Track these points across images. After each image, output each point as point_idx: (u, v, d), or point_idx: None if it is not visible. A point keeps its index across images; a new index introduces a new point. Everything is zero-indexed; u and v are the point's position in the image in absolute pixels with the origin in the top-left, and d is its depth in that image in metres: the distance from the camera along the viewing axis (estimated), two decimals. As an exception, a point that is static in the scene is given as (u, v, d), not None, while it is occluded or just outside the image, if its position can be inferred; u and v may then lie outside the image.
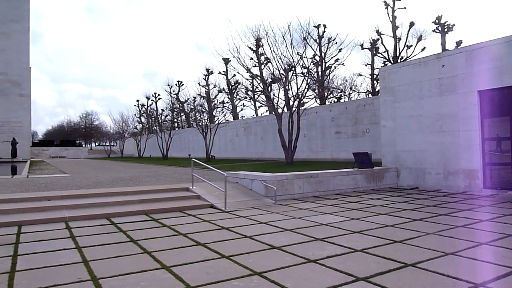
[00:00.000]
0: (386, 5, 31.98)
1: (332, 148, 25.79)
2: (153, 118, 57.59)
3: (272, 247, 5.76)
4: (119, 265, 4.99)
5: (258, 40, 25.46)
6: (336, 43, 32.51)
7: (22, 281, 4.38)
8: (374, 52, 34.33)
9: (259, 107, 45.57)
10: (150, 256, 5.35)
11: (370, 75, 37.05)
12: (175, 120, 59.45)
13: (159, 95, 61.68)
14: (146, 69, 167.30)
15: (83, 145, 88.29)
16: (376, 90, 34.41)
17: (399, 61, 30.41)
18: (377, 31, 32.75)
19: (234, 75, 40.36)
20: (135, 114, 60.48)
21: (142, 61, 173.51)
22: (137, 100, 63.05)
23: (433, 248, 5.53)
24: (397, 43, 32.17)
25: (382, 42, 33.14)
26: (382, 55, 33.41)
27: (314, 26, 32.67)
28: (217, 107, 39.70)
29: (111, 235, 6.77)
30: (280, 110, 24.14)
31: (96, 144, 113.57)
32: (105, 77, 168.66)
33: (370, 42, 34.11)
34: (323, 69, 33.96)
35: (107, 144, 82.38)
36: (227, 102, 44.72)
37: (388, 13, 32.24)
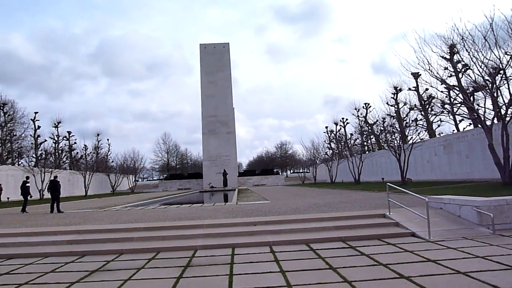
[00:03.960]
0: None
1: None
2: (342, 143, 58.17)
3: (496, 288, 4.79)
4: (320, 293, 5.01)
5: (452, 46, 22.87)
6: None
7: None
8: None
9: (459, 121, 40.47)
10: (351, 286, 5.19)
11: None
12: (365, 143, 58.53)
13: (346, 119, 62.22)
14: (327, 96, 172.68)
15: (280, 173, 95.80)
16: None
17: None
18: None
19: (427, 89, 37.28)
20: (325, 141, 62.43)
21: (322, 89, 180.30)
22: (326, 127, 65.13)
23: None
24: None
25: None
26: None
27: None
28: (410, 126, 37.11)
29: (311, 261, 6.92)
30: (488, 122, 20.75)
31: (291, 171, 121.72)
32: (292, 109, 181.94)
33: None
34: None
35: (301, 171, 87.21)
36: (421, 119, 41.40)
37: None
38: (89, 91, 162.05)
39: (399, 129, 37.14)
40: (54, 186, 18.20)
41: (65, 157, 66.67)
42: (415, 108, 39.88)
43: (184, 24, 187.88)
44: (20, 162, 55.37)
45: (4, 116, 53.60)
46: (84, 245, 9.20)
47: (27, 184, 19.25)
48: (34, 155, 57.69)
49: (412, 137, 35.51)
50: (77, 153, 67.57)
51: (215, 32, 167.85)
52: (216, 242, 8.92)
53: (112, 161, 69.77)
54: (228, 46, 69.86)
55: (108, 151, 72.43)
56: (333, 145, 61.59)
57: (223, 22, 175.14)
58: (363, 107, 56.22)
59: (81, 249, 8.86)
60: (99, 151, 68.48)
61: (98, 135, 69.20)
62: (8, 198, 38.53)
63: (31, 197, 19.86)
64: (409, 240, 8.32)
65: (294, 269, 6.28)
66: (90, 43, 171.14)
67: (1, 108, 53.32)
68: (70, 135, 66.44)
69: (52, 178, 18.61)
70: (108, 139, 77.08)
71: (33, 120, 57.71)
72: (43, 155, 56.40)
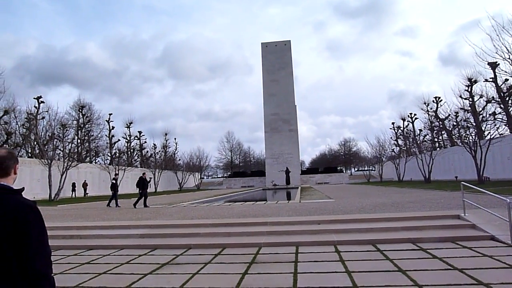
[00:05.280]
0: None
1: None
2: (410, 140, 55.39)
3: None
4: (389, 296, 4.81)
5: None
6: None
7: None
8: None
9: (546, 114, 36.61)
10: (422, 291, 4.94)
11: None
12: (436, 139, 55.20)
13: (415, 115, 59.17)
14: (391, 91, 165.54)
15: (344, 171, 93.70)
16: None
17: None
18: None
19: (506, 79, 34.26)
20: (391, 137, 59.89)
21: (386, 84, 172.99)
22: (392, 123, 62.45)
23: None
24: None
25: None
26: None
27: None
28: (487, 120, 34.28)
29: (378, 262, 6.68)
30: None
31: (355, 169, 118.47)
32: (354, 106, 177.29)
33: None
34: None
35: (366, 169, 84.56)
36: (500, 113, 38.07)
37: None
38: (156, 93, 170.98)
39: (474, 124, 34.49)
40: (142, 183, 19.41)
41: (136, 155, 70.96)
42: (493, 101, 36.78)
43: (244, 24, 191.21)
44: (96, 160, 60.02)
45: (82, 118, 58.37)
46: (155, 239, 9.71)
47: (114, 181, 21.08)
48: (109, 154, 62.21)
49: (489, 132, 32.74)
50: (147, 151, 71.71)
51: (275, 31, 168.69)
52: (280, 240, 8.95)
53: (179, 159, 73.08)
54: (290, 44, 69.68)
55: (176, 149, 76.00)
56: (400, 142, 58.91)
57: (282, 21, 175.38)
58: (433, 101, 53.05)
59: (152, 242, 9.36)
60: (167, 150, 72.07)
61: (166, 134, 72.88)
62: (87, 193, 41.96)
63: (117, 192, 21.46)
64: (488, 244, 7.69)
65: (361, 270, 6.11)
66: (157, 48, 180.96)
67: (80, 110, 58.10)
68: (141, 135, 70.65)
69: (141, 175, 19.92)
70: (175, 138, 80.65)
71: (108, 121, 62.18)
72: (117, 154, 60.60)
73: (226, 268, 6.77)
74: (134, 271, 6.72)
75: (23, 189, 2.14)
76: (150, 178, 20.46)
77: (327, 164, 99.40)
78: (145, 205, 18.82)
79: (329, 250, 7.84)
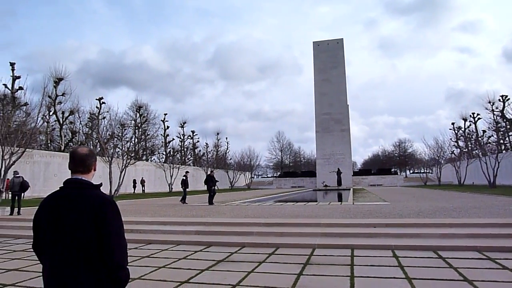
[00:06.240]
0: None
1: None
2: (472, 141, 52.10)
3: None
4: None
5: None
6: None
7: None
8: None
9: None
10: (493, 303, 4.61)
11: None
12: (502, 141, 51.51)
13: (478, 114, 55.61)
14: (450, 89, 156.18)
15: (398, 173, 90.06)
16: None
17: None
18: None
19: None
20: (451, 138, 56.66)
21: (443, 83, 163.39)
22: (452, 123, 59.04)
23: None
24: None
25: None
26: None
27: None
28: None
29: (441, 270, 6.34)
30: None
31: (410, 171, 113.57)
32: (409, 105, 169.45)
33: None
34: None
35: (422, 171, 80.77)
36: None
37: None
38: (207, 94, 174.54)
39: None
40: (210, 181, 19.94)
41: (189, 154, 73.09)
42: None
43: (294, 24, 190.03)
44: (152, 159, 62.56)
45: (140, 118, 61.09)
46: (210, 236, 9.93)
47: (184, 177, 21.74)
48: (164, 152, 64.60)
49: None
50: (200, 150, 73.60)
51: (325, 30, 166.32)
52: (334, 241, 8.79)
53: (230, 159, 74.27)
54: (342, 42, 68.22)
55: (227, 149, 77.30)
56: (461, 143, 55.52)
57: (333, 19, 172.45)
58: (499, 100, 49.52)
59: (207, 239, 9.57)
60: (218, 149, 73.52)
61: (217, 134, 74.43)
62: (144, 190, 43.92)
63: (187, 188, 22.12)
64: None
65: (422, 277, 5.83)
66: (208, 50, 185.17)
67: (138, 110, 60.86)
68: (194, 134, 72.65)
69: (209, 172, 20.43)
70: (226, 138, 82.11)
71: (163, 121, 64.53)
72: (171, 152, 62.79)
73: (281, 267, 6.75)
74: (191, 267, 6.91)
75: (101, 184, 2.27)
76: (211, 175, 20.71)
77: (380, 165, 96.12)
78: (210, 203, 19.03)
79: (386, 255, 7.58)
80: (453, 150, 55.09)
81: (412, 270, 6.30)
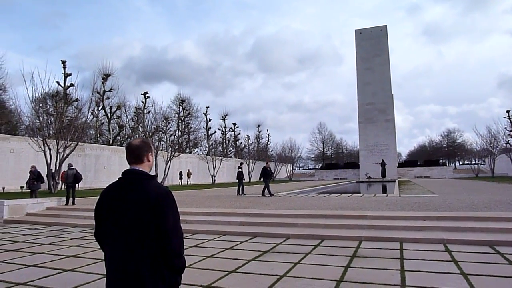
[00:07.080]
0: None
1: None
2: (530, 130, 48.79)
3: None
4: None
5: None
6: None
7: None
8: None
9: None
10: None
11: None
12: None
13: (536, 102, 51.90)
14: (502, 75, 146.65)
15: (447, 164, 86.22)
16: None
17: None
18: None
19: None
20: (505, 127, 53.33)
21: (494, 69, 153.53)
22: (507, 111, 55.51)
23: None
24: None
25: None
26: None
27: None
28: None
29: (499, 266, 6.00)
30: None
31: (460, 163, 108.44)
32: (457, 93, 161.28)
33: None
34: None
35: (473, 162, 76.80)
36: None
37: None
38: (247, 86, 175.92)
39: None
40: (265, 173, 20.19)
41: (231, 146, 73.95)
42: None
43: (333, 12, 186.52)
44: (195, 151, 63.89)
45: (183, 111, 62.49)
46: (254, 227, 10.00)
47: (240, 169, 22.15)
48: (206, 145, 65.81)
49: None
50: (241, 142, 74.25)
51: (366, 17, 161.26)
52: (381, 234, 8.57)
53: (272, 150, 74.33)
54: (386, 29, 65.82)
55: (268, 140, 77.42)
56: (517, 133, 52.13)
57: (373, 6, 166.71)
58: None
59: (252, 230, 9.65)
60: (259, 141, 73.81)
61: (258, 126, 74.70)
62: (189, 181, 45.02)
63: (244, 180, 22.66)
64: None
65: (479, 273, 5.53)
66: (247, 43, 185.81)
67: (181, 104, 62.28)
68: (235, 127, 73.35)
69: (265, 164, 20.88)
70: (267, 130, 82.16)
71: (205, 114, 65.71)
72: (213, 145, 63.82)
73: (327, 259, 6.67)
74: (238, 257, 6.99)
75: (156, 175, 2.31)
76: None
77: (427, 156, 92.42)
78: (263, 194, 19.27)
79: (438, 249, 7.28)
80: (508, 140, 51.81)
81: (468, 265, 6.01)
